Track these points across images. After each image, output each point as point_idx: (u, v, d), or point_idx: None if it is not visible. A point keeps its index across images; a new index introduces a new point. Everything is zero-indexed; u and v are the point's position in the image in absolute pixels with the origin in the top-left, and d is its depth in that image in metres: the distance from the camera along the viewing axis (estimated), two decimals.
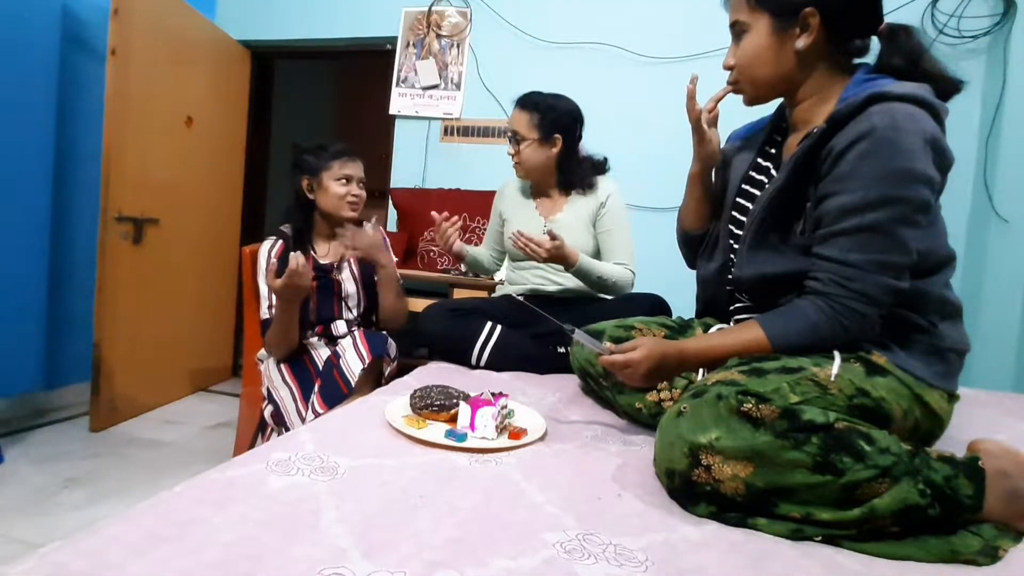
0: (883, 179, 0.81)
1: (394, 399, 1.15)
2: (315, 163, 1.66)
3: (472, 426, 0.98)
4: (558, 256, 1.54)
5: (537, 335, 1.62)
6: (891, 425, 0.84)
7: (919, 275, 0.88)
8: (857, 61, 0.96)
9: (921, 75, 0.89)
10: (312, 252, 1.69)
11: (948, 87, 0.90)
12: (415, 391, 1.10)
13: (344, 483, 0.78)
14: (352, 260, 1.69)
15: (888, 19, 0.94)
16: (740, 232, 1.04)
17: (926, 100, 0.84)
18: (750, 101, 1.02)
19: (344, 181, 1.66)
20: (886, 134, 0.81)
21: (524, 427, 1.03)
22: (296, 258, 1.42)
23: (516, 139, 1.73)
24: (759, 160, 1.08)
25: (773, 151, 1.08)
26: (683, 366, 0.97)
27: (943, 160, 0.84)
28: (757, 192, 1.05)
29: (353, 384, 1.44)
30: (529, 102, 1.73)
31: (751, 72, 0.97)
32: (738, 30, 0.97)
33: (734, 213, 1.09)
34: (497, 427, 0.98)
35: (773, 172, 1.05)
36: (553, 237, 1.51)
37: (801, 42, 0.91)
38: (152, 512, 0.66)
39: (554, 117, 1.71)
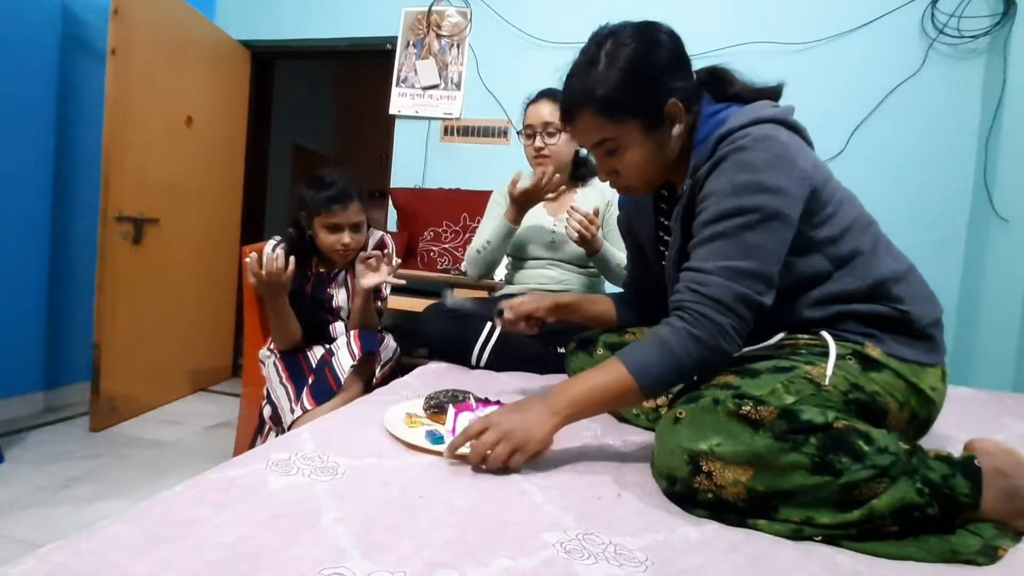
0: (732, 192, 0.83)
1: (397, 400, 1.15)
2: (310, 204, 1.59)
3: (454, 430, 0.97)
4: (591, 240, 1.57)
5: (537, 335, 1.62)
6: (887, 418, 0.85)
7: (852, 264, 0.88)
8: (698, 104, 0.98)
9: (750, 94, 0.96)
10: (314, 262, 1.69)
11: (775, 92, 0.97)
12: (431, 393, 1.11)
13: (344, 483, 0.78)
14: (350, 275, 1.70)
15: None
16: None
17: (765, 117, 0.87)
18: (643, 195, 1.06)
19: (332, 230, 1.59)
20: (734, 156, 0.85)
21: None
22: (274, 259, 1.42)
23: (549, 132, 1.69)
24: (660, 218, 1.13)
25: (664, 206, 1.12)
26: (545, 415, 0.85)
27: (801, 167, 0.85)
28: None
29: (343, 380, 1.45)
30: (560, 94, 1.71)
31: (644, 176, 0.98)
32: (608, 147, 0.95)
33: (663, 269, 1.13)
34: None
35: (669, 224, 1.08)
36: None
37: (675, 130, 0.94)
38: (152, 512, 0.66)
39: None
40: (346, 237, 1.59)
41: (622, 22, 0.95)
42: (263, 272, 1.43)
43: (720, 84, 0.99)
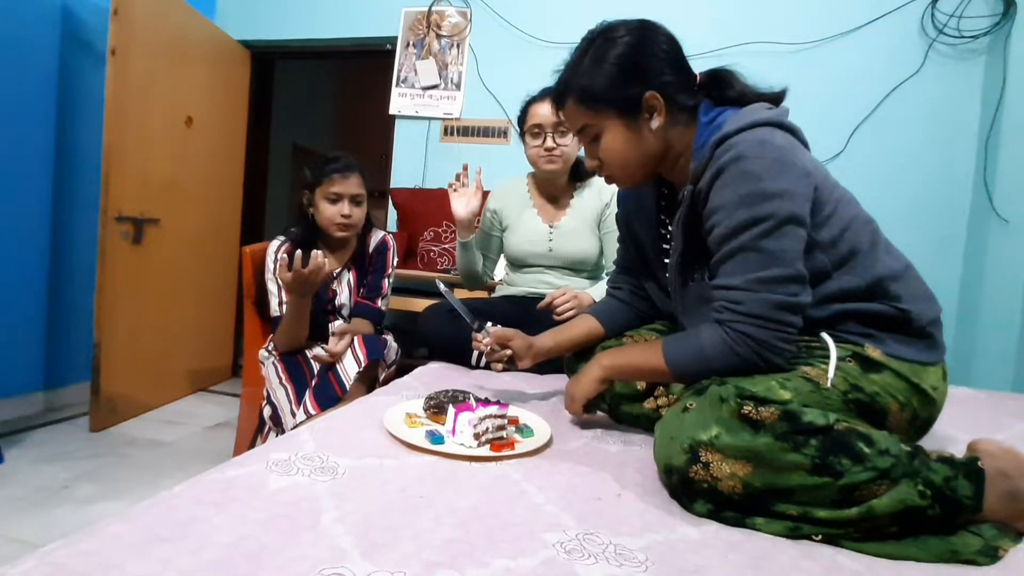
0: (741, 204, 0.84)
1: (397, 401, 1.15)
2: (312, 178, 1.63)
3: (453, 431, 0.97)
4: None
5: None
6: (888, 418, 0.85)
7: (850, 263, 0.89)
8: (692, 102, 0.99)
9: (750, 98, 0.96)
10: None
11: (777, 97, 0.97)
12: (431, 394, 1.11)
13: (344, 483, 0.78)
14: (352, 273, 1.71)
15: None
16: (670, 289, 1.09)
17: (760, 121, 0.88)
18: (629, 187, 1.08)
19: (333, 200, 1.60)
20: (735, 165, 0.85)
21: (515, 440, 0.98)
22: (316, 257, 1.42)
23: (560, 131, 1.68)
24: (661, 216, 1.13)
25: (664, 203, 1.12)
26: (595, 369, 1.04)
27: (801, 165, 0.86)
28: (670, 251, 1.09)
29: (348, 387, 1.45)
30: None
31: (623, 166, 1.00)
32: (591, 133, 1.00)
33: (664, 270, 1.13)
34: (477, 435, 0.94)
35: (671, 228, 1.08)
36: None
37: (655, 123, 0.96)
38: (152, 512, 0.66)
39: None
40: (346, 208, 1.60)
41: (619, 20, 0.98)
42: (306, 270, 1.40)
43: (720, 87, 0.99)
